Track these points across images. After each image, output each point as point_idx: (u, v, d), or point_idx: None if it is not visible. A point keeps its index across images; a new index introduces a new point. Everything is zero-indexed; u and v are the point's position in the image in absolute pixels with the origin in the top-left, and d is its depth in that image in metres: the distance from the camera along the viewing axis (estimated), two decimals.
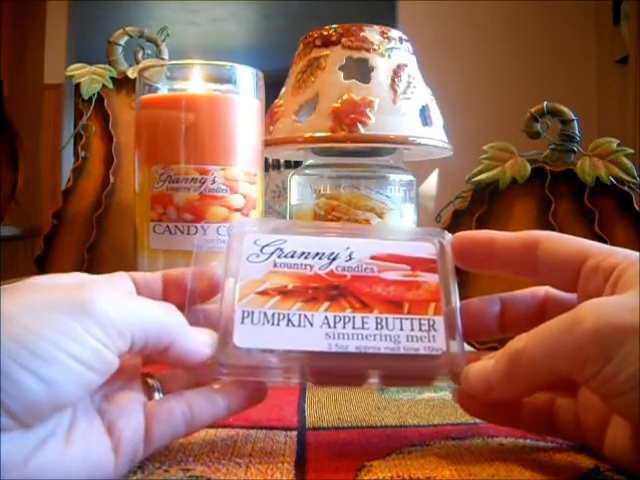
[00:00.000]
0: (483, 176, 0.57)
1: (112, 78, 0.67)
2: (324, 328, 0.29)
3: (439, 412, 0.36)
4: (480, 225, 0.56)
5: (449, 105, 0.67)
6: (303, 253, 0.31)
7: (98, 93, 0.66)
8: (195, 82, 0.48)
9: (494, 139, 0.58)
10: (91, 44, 1.57)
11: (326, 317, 0.29)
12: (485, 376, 0.27)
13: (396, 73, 0.55)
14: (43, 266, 0.65)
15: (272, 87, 0.54)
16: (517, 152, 0.57)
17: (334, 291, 0.30)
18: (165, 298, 0.31)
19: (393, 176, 0.55)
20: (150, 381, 0.30)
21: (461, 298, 0.31)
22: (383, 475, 0.26)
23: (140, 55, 0.70)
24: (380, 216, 0.53)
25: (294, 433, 0.32)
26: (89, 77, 0.66)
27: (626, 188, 0.55)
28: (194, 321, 0.29)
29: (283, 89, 0.58)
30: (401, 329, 0.29)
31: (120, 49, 0.68)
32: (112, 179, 0.66)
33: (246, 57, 3.65)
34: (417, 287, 0.31)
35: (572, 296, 0.30)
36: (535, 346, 0.25)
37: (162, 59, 0.70)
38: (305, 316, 0.29)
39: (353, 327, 0.29)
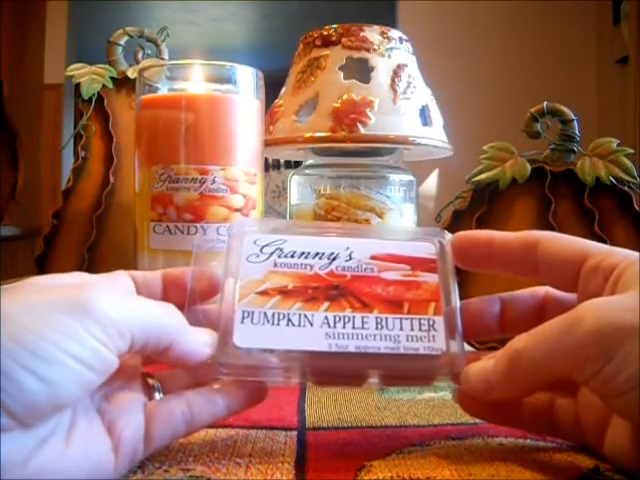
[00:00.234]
0: (483, 176, 0.57)
1: (112, 78, 0.67)
2: (324, 328, 0.29)
3: (439, 412, 0.36)
4: (480, 225, 0.56)
5: (449, 105, 0.67)
6: (303, 253, 0.31)
7: (98, 93, 0.66)
8: (195, 82, 0.48)
9: (494, 139, 0.58)
10: (91, 44, 1.57)
11: (326, 317, 0.29)
12: (485, 376, 0.27)
13: (396, 73, 0.55)
14: (43, 266, 0.65)
15: (272, 87, 0.54)
16: (517, 152, 0.57)
17: (334, 291, 0.30)
18: (165, 297, 0.31)
19: (393, 176, 0.55)
20: (150, 381, 0.30)
21: (461, 298, 0.31)
22: (383, 475, 0.26)
23: (140, 55, 0.70)
24: (380, 216, 0.53)
25: (294, 433, 0.32)
26: (89, 77, 0.66)
27: (626, 188, 0.55)
28: (194, 321, 0.29)
29: (283, 89, 0.58)
30: (401, 329, 0.29)
31: (120, 49, 0.68)
32: (112, 179, 0.66)
33: (246, 57, 3.65)
34: (417, 287, 0.31)
35: (572, 296, 0.30)
36: (535, 346, 0.25)
37: (162, 59, 0.70)
38: (305, 316, 0.29)
39: (353, 327, 0.29)
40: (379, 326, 0.29)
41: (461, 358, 0.29)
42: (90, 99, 0.66)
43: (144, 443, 0.26)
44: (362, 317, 0.29)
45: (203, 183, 0.45)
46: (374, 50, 0.55)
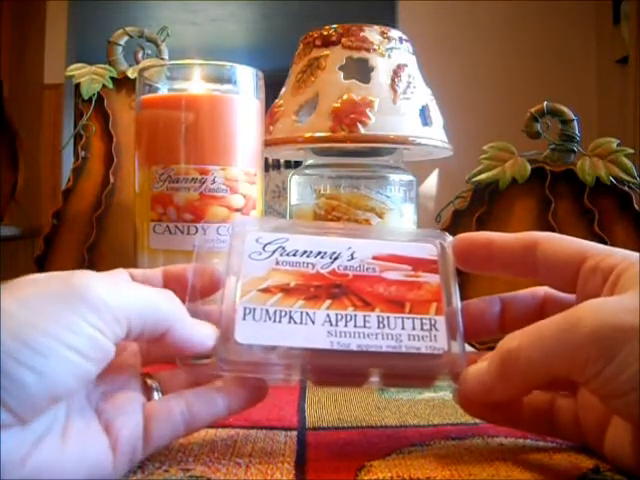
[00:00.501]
0: (483, 176, 0.57)
1: (112, 78, 0.67)
2: (326, 326, 0.29)
3: (439, 412, 0.36)
4: (480, 225, 0.56)
5: (449, 105, 0.67)
6: (305, 252, 0.31)
7: (98, 93, 0.66)
8: (195, 82, 0.48)
9: (494, 139, 0.58)
10: (91, 44, 1.57)
11: (328, 315, 0.29)
12: (480, 377, 0.27)
13: (396, 73, 0.55)
14: (43, 266, 0.65)
15: (272, 87, 0.54)
16: (517, 152, 0.57)
17: (336, 289, 0.30)
18: None
19: (393, 176, 0.55)
20: (149, 381, 0.30)
21: (462, 299, 0.31)
22: (383, 475, 0.26)
23: (140, 55, 0.70)
24: (380, 216, 0.53)
25: (294, 433, 0.32)
26: (89, 77, 0.66)
27: (626, 188, 0.55)
28: (195, 318, 0.29)
29: (283, 89, 0.58)
30: (403, 328, 0.29)
31: (120, 49, 0.68)
32: (112, 179, 0.66)
33: (246, 57, 3.65)
34: (418, 287, 0.31)
35: (571, 296, 0.30)
36: (530, 345, 0.25)
37: (162, 59, 0.70)
38: (307, 314, 0.29)
39: (355, 325, 0.29)
40: (381, 325, 0.29)
41: (462, 358, 0.29)
42: (90, 99, 0.66)
43: (143, 443, 0.26)
44: (364, 316, 0.29)
45: (203, 183, 0.45)
46: (374, 50, 0.55)
